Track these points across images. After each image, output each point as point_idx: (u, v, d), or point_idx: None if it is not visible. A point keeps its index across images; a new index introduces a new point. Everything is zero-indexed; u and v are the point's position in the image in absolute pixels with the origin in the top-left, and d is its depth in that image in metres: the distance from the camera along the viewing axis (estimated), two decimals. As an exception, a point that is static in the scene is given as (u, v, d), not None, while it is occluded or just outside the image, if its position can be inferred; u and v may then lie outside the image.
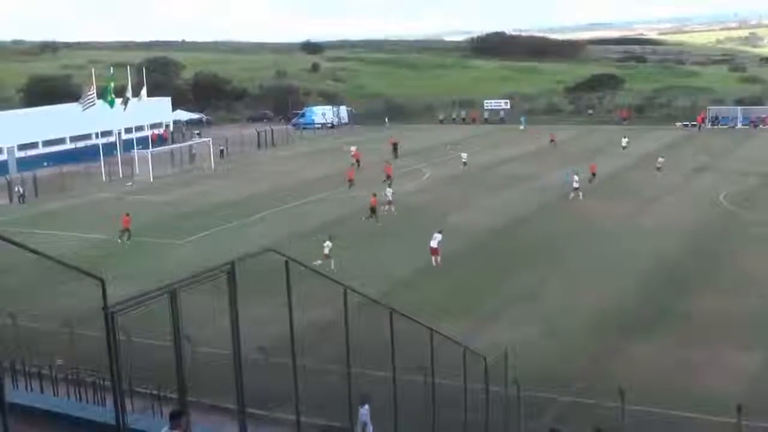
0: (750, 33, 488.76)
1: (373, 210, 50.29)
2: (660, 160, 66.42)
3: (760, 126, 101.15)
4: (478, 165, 72.99)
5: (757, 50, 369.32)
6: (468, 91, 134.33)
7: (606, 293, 35.23)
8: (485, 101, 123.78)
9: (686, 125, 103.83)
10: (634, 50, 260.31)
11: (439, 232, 40.93)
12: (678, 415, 23.31)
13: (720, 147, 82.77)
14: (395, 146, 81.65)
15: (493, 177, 67.59)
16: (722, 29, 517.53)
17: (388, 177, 62.20)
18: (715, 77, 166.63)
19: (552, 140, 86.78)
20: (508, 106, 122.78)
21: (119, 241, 46.62)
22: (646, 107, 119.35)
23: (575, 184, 56.53)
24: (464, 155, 73.12)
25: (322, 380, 17.72)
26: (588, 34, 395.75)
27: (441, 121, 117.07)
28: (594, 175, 61.92)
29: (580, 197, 55.80)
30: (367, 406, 17.78)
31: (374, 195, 51.79)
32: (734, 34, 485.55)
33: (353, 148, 78.21)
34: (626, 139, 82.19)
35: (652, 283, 36.89)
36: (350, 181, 62.59)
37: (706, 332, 30.15)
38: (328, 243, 39.93)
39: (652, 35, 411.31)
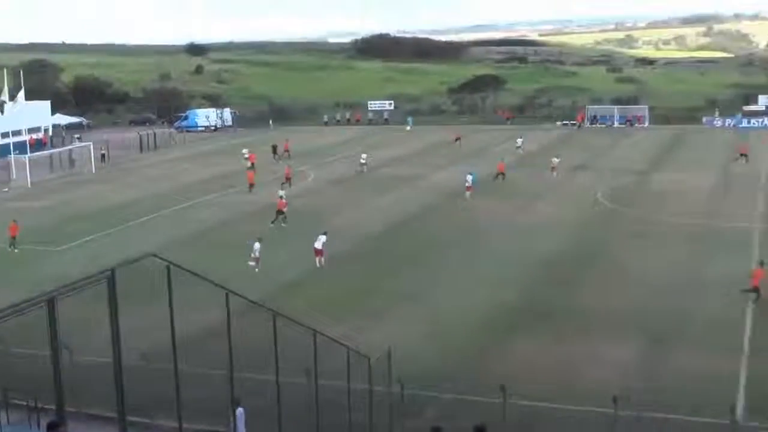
0: (626, 35, 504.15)
1: (280, 212, 50.25)
2: (554, 160, 67.49)
3: (636, 125, 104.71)
4: (364, 166, 73.31)
5: (632, 51, 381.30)
6: (352, 93, 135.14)
7: (490, 292, 35.89)
8: (369, 102, 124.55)
9: (566, 124, 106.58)
10: (515, 51, 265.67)
11: (324, 234, 41.08)
12: (560, 408, 24.04)
13: (599, 146, 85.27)
14: (274, 148, 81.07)
15: (381, 178, 68.09)
16: (601, 31, 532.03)
17: (288, 179, 62.11)
18: (593, 77, 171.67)
19: (457, 139, 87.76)
20: (392, 107, 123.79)
21: (11, 249, 45.19)
22: (527, 107, 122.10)
23: (467, 184, 57.44)
24: (364, 156, 73.23)
25: (204, 385, 17.69)
26: (471, 36, 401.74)
27: (326, 123, 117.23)
28: (502, 174, 62.71)
29: (468, 197, 56.72)
30: (241, 410, 17.77)
31: (281, 197, 51.82)
32: (612, 36, 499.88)
33: (246, 151, 77.65)
34: (521, 139, 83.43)
35: (534, 281, 37.76)
36: (251, 185, 62.05)
37: (587, 327, 31.04)
38: (257, 245, 40.08)
39: (534, 36, 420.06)
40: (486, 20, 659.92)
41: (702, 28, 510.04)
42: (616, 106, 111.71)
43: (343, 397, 21.07)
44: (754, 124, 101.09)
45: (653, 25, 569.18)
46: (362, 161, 72.20)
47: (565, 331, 30.78)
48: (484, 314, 33.11)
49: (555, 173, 65.34)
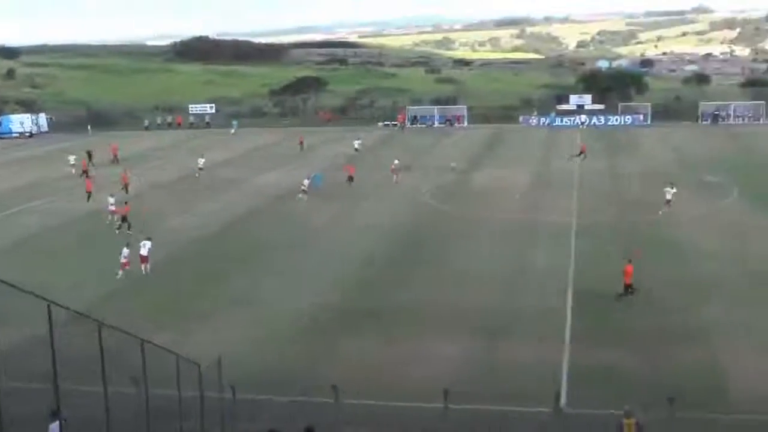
0: (444, 37, 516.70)
1: (124, 219, 48.61)
2: (396, 162, 67.61)
3: (456, 124, 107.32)
4: (189, 170, 72.22)
5: (450, 53, 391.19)
6: (172, 96, 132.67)
7: (319, 293, 35.96)
8: (190, 106, 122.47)
9: (387, 125, 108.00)
10: (336, 53, 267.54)
11: (148, 240, 40.13)
12: (392, 405, 24.29)
13: (421, 145, 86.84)
14: (89, 154, 77.87)
15: (209, 181, 67.06)
16: (419, 33, 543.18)
17: (125, 185, 60.18)
18: (413, 78, 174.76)
19: (300, 142, 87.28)
20: (214, 111, 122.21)
21: None
22: (348, 108, 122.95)
23: (303, 187, 57.37)
24: (201, 160, 71.60)
25: (25, 400, 16.91)
26: (292, 38, 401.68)
27: (146, 128, 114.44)
28: (351, 178, 62.45)
29: (300, 198, 56.65)
30: (55, 424, 17.02)
31: (126, 203, 50.38)
32: (430, 37, 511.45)
33: (73, 158, 74.35)
34: (359, 141, 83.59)
35: (363, 281, 38.05)
36: (89, 193, 59.09)
37: (416, 325, 31.54)
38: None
39: (354, 38, 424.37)
40: (307, 22, 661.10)
41: (515, 31, 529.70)
42: (435, 107, 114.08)
43: (174, 406, 20.59)
44: (566, 122, 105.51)
45: (469, 27, 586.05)
46: (200, 165, 70.77)
47: (394, 330, 31.15)
48: (313, 315, 33.14)
49: (396, 176, 65.01)
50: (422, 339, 29.99)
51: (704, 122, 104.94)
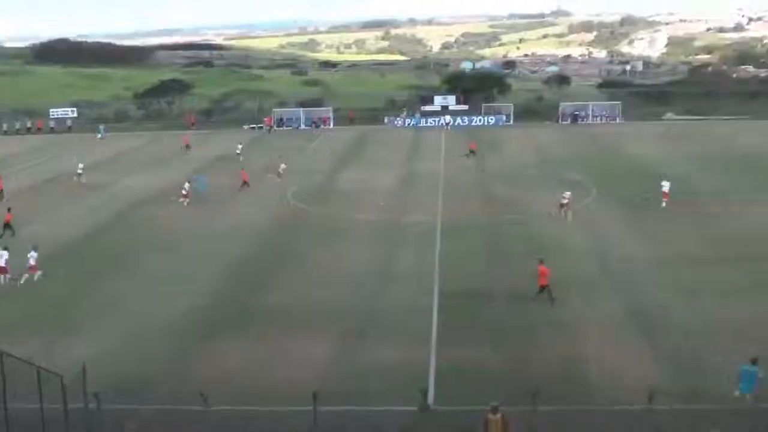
0: (309, 39, 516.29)
1: (7, 225, 46.77)
2: (282, 166, 66.88)
3: (322, 126, 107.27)
4: (56, 174, 69.93)
5: (316, 55, 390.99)
6: (31, 100, 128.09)
7: (186, 297, 35.43)
8: (51, 110, 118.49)
9: (254, 127, 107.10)
10: (201, 55, 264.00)
11: (5, 249, 38.69)
12: (258, 410, 24.12)
13: (288, 147, 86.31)
14: None
15: (73, 187, 65.01)
16: (285, 35, 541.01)
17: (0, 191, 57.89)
18: (279, 81, 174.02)
19: (186, 145, 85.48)
20: (75, 114, 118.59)
21: None
22: (214, 111, 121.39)
23: (184, 191, 56.36)
24: (81, 165, 68.96)
25: None
26: (157, 40, 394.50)
27: (5, 132, 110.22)
28: (246, 183, 61.13)
29: (184, 203, 55.73)
30: None
31: (9, 210, 48.61)
32: (295, 39, 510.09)
33: None
34: (240, 145, 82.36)
35: (230, 284, 37.71)
36: None
37: (283, 327, 31.40)
38: (33, 254, 38.45)
39: (219, 41, 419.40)
40: (172, 25, 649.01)
41: (380, 33, 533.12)
42: (302, 109, 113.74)
43: (37, 419, 19.93)
44: (431, 123, 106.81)
45: (335, 29, 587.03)
46: (79, 171, 68.29)
47: (263, 333, 30.96)
48: (180, 320, 32.68)
49: (281, 179, 64.56)
50: (290, 341, 29.87)
51: (564, 122, 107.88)
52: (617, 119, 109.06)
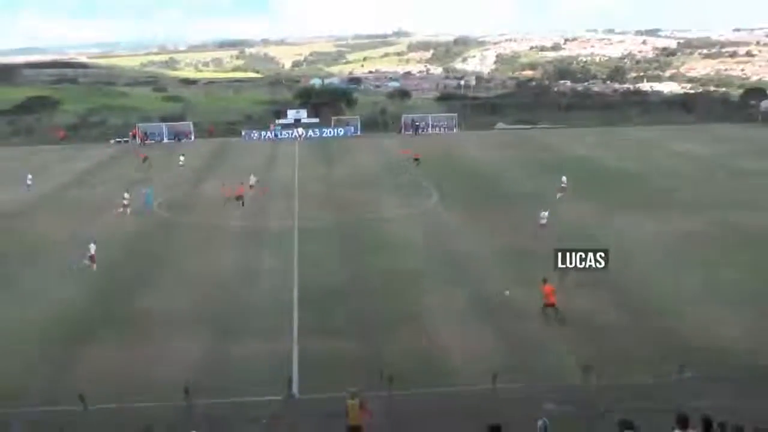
0: (170, 57, 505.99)
1: None
2: (253, 179, 63.45)
3: (184, 139, 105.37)
4: None
5: (176, 73, 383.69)
6: None
7: (54, 304, 34.13)
8: None
9: (119, 141, 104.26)
10: (66, 73, 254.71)
11: None
12: (135, 406, 23.62)
13: (153, 159, 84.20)
14: None
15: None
16: (146, 54, 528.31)
17: None
18: (142, 97, 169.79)
19: (145, 158, 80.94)
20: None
21: None
22: (81, 126, 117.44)
23: (125, 201, 54.40)
24: (30, 176, 65.44)
25: None
26: (21, 58, 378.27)
27: None
28: (239, 197, 56.60)
29: (126, 212, 53.82)
30: None
31: None
32: (156, 58, 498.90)
33: None
34: (183, 157, 79.77)
35: (98, 289, 36.57)
36: None
37: (155, 330, 30.81)
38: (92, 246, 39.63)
39: (84, 59, 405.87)
40: (35, 43, 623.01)
41: (235, 52, 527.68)
42: (164, 123, 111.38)
43: None
44: (285, 135, 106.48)
45: (193, 48, 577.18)
46: (28, 182, 64.95)
47: (134, 335, 30.26)
48: (52, 326, 31.41)
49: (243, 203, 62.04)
50: (162, 341, 29.35)
51: (407, 132, 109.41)
52: (454, 129, 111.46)
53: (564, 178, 57.63)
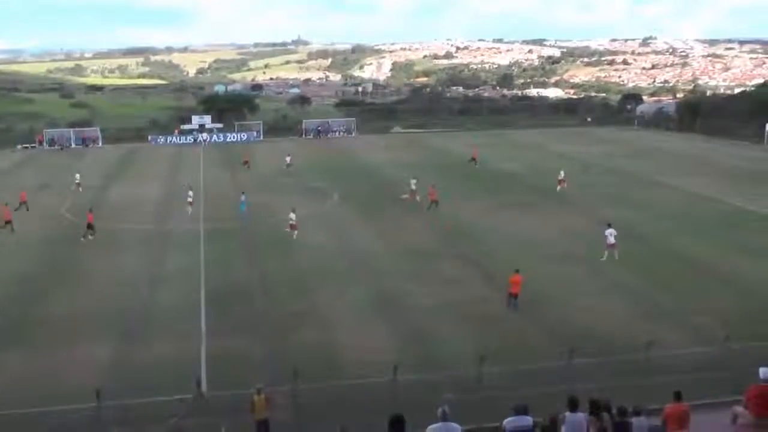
0: (76, 64, 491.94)
1: None
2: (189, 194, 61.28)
3: (91, 145, 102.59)
4: None
5: (83, 79, 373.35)
6: None
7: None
8: None
9: (27, 147, 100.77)
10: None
11: None
12: (44, 410, 22.72)
13: (60, 165, 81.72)
14: None
15: None
16: (52, 60, 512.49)
17: None
18: (49, 103, 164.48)
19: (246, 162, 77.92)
20: None
21: None
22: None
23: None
24: None
25: None
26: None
27: None
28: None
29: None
30: None
31: None
32: (63, 65, 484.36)
33: None
34: (78, 175, 76.11)
35: (7, 297, 35.07)
36: None
37: (64, 335, 29.70)
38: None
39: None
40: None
41: (141, 59, 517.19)
42: (72, 129, 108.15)
43: None
44: (190, 140, 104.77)
45: (99, 55, 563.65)
46: None
47: (45, 341, 29.11)
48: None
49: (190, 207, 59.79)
50: (73, 346, 28.29)
51: (308, 137, 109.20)
52: (353, 133, 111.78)
53: (562, 173, 60.39)
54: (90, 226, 45.99)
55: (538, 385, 22.82)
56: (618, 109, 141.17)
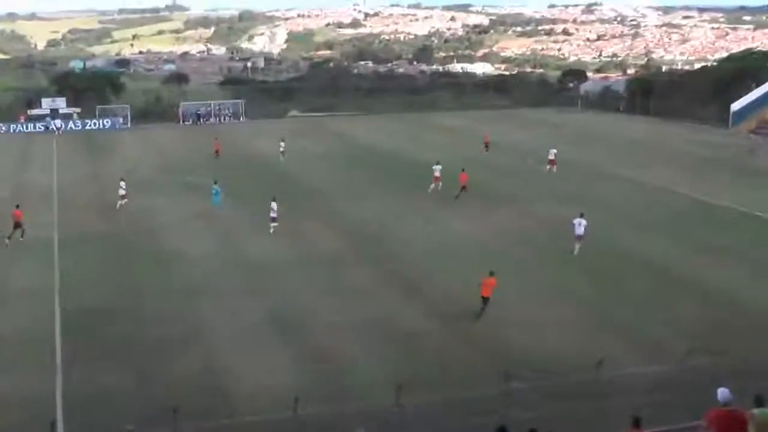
0: None
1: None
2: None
3: None
4: None
5: None
6: None
7: None
8: None
9: None
10: None
11: None
12: None
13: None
14: None
15: None
16: None
17: None
18: None
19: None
20: None
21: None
22: None
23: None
24: None
25: None
26: None
27: None
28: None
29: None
30: None
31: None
32: None
33: None
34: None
35: None
36: None
37: None
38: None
39: None
40: None
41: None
42: None
43: None
44: (40, 128, 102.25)
45: None
46: None
47: None
48: None
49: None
50: None
51: (186, 122, 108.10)
52: (241, 118, 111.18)
53: (553, 151, 64.92)
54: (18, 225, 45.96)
55: (468, 415, 23.07)
56: (558, 88, 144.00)
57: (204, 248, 44.20)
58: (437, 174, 57.67)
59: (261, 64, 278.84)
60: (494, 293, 34.69)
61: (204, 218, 51.20)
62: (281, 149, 75.58)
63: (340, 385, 26.74)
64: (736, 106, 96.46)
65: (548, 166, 66.06)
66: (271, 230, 46.31)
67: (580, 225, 41.20)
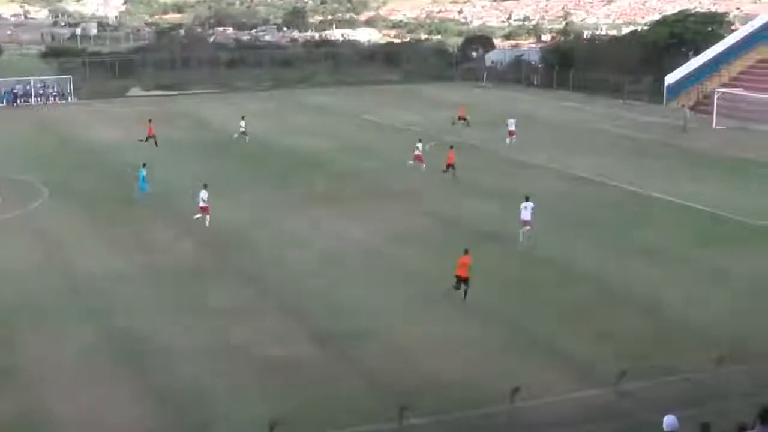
0: None
1: None
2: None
3: None
4: None
5: None
6: None
7: None
8: None
9: None
10: None
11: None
12: None
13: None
14: None
15: None
16: None
17: None
18: None
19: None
20: None
21: None
22: None
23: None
24: None
25: None
26: None
27: None
28: None
29: None
30: None
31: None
32: None
33: None
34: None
35: None
36: None
37: None
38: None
39: None
40: None
41: None
42: None
43: None
44: None
45: None
46: None
47: None
48: None
49: None
50: None
51: (1, 104, 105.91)
52: (70, 98, 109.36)
53: (511, 120, 72.03)
54: None
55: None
56: (459, 58, 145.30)
57: (24, 259, 43.10)
58: (418, 152, 61.64)
59: (93, 31, 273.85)
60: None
61: (23, 223, 50.09)
62: (242, 129, 75.76)
63: (202, 425, 26.26)
64: (670, 78, 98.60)
65: (508, 139, 72.88)
66: (195, 217, 47.53)
67: (527, 209, 43.02)
